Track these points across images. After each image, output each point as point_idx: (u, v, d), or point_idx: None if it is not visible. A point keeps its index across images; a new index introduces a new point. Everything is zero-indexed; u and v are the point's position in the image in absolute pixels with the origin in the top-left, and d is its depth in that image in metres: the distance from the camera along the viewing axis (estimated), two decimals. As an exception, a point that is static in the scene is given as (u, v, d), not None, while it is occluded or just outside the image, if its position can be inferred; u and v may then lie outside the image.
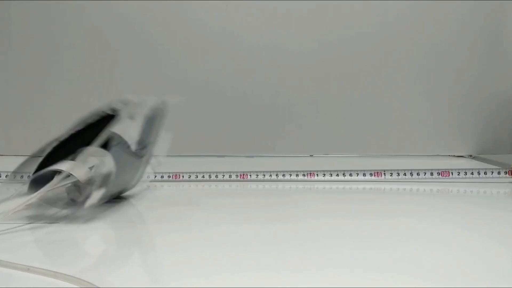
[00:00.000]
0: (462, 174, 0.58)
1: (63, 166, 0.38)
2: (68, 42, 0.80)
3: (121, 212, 0.43)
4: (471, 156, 0.79)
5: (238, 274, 0.28)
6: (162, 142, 0.46)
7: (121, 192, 0.46)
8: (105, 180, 0.39)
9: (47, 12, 0.79)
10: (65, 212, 0.39)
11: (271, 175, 0.59)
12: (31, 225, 0.37)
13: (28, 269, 0.26)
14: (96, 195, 0.38)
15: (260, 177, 0.59)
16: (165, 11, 0.79)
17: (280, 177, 0.59)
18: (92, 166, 0.39)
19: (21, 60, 0.81)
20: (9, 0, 0.79)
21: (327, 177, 0.59)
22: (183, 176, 0.59)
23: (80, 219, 0.37)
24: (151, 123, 0.46)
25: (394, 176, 0.58)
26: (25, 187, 0.39)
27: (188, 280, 0.27)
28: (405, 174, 0.58)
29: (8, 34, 0.80)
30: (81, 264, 0.30)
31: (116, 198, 0.45)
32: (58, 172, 0.38)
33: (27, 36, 0.80)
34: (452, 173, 0.58)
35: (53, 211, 0.40)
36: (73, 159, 0.39)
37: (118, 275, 0.28)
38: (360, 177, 0.59)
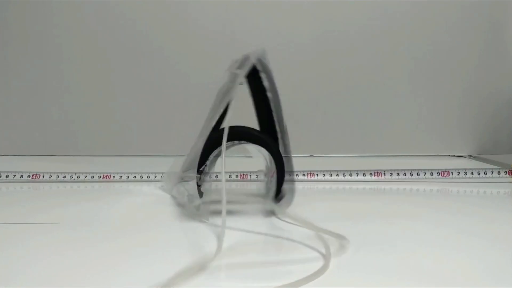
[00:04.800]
0: (462, 174, 0.58)
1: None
2: (68, 42, 0.80)
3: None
4: (471, 156, 0.79)
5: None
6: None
7: None
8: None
9: (47, 12, 0.79)
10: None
11: (271, 175, 0.59)
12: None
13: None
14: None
15: (260, 177, 0.59)
16: (166, 11, 0.79)
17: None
18: None
19: (21, 60, 0.81)
20: (9, 0, 0.79)
21: (327, 177, 0.59)
22: (183, 176, 0.59)
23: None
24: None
25: (394, 176, 0.58)
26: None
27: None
28: (405, 174, 0.58)
29: (8, 35, 0.80)
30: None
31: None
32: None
33: (26, 36, 0.80)
34: (452, 173, 0.58)
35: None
36: None
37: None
38: (360, 177, 0.59)
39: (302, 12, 0.79)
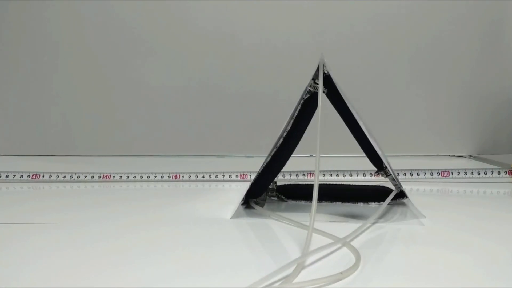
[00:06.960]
0: (462, 174, 0.58)
1: None
2: (68, 43, 0.80)
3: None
4: (471, 156, 0.79)
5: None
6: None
7: None
8: None
9: (46, 13, 0.79)
10: None
11: (271, 175, 0.59)
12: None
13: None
14: None
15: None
16: (165, 11, 0.79)
17: (280, 177, 0.59)
18: None
19: (21, 61, 0.81)
20: (9, 0, 0.79)
21: (327, 177, 0.59)
22: (183, 176, 0.59)
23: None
24: None
25: (394, 176, 0.58)
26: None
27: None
28: (405, 174, 0.58)
29: (8, 35, 0.80)
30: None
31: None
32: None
33: (26, 36, 0.80)
34: (452, 173, 0.58)
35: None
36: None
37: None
38: (360, 177, 0.59)
39: (302, 14, 0.79)
